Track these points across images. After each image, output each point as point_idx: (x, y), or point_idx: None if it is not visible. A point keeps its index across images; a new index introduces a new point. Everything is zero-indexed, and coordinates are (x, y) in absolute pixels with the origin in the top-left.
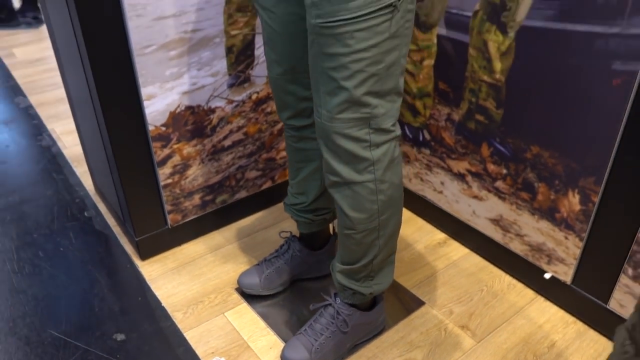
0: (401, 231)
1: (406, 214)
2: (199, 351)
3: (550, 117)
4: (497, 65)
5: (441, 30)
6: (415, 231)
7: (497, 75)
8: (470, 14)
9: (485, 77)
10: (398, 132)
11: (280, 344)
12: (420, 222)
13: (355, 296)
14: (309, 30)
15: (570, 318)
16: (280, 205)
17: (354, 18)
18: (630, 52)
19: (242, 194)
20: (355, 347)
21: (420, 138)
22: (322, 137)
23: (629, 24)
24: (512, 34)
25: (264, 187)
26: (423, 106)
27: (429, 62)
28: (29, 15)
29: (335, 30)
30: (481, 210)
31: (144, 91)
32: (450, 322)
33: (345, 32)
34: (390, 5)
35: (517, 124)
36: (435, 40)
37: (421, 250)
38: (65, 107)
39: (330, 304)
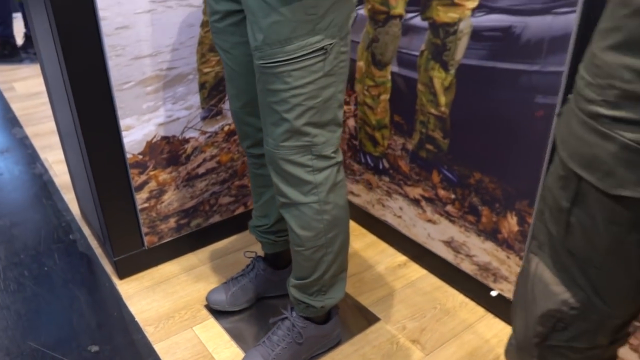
0: (364, 253)
1: (370, 237)
2: None
3: (487, 145)
4: (442, 99)
5: (394, 67)
6: (378, 254)
7: (442, 108)
8: (417, 53)
9: (432, 110)
10: (339, 158)
11: (242, 355)
12: (383, 245)
13: (308, 309)
14: (255, 70)
15: None
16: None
17: (290, 59)
18: (549, 87)
19: (216, 219)
20: (311, 359)
21: (380, 166)
22: (271, 163)
23: (546, 62)
24: (452, 71)
25: (237, 212)
26: (382, 137)
27: (385, 97)
28: (31, 52)
29: (275, 69)
30: (435, 233)
31: (123, 122)
32: (402, 337)
33: (283, 71)
34: (322, 48)
35: (461, 152)
36: (389, 77)
37: (382, 272)
38: (58, 138)
39: (287, 317)
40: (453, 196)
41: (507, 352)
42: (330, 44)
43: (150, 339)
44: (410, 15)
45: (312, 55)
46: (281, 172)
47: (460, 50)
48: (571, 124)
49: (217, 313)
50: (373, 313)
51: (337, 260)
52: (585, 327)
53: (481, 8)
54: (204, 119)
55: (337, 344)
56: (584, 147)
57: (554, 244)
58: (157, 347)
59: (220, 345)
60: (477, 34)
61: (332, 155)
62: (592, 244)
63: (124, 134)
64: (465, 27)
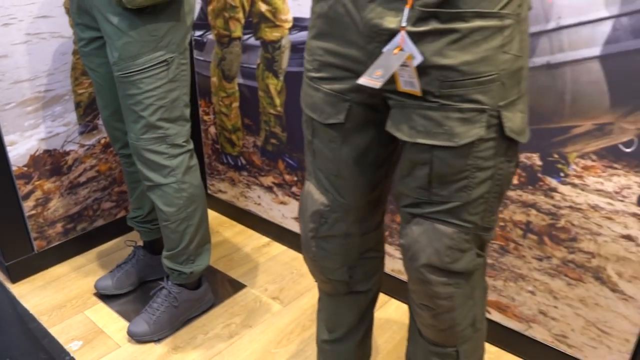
0: (233, 239)
1: (238, 227)
2: (61, 340)
3: None
4: (277, 101)
5: (240, 80)
6: (245, 239)
7: (278, 108)
8: (255, 66)
9: (272, 111)
10: (190, 146)
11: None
12: (250, 232)
13: (181, 276)
14: (116, 81)
15: None
16: (135, 232)
17: (140, 70)
18: None
19: (100, 222)
20: (188, 320)
21: (239, 164)
22: (135, 154)
23: None
24: (282, 77)
25: (119, 216)
26: (237, 138)
27: (236, 104)
28: None
29: (130, 78)
30: (287, 212)
31: (7, 139)
32: (264, 296)
33: (136, 79)
34: (164, 61)
35: (297, 142)
36: (237, 88)
37: (248, 251)
38: None
39: (164, 287)
40: (296, 179)
41: (304, 257)
42: (171, 57)
43: (45, 325)
44: (246, 36)
45: (157, 66)
46: (144, 160)
47: (284, 60)
48: (304, 87)
49: (106, 297)
50: (240, 282)
51: (199, 232)
52: (336, 217)
53: (295, 27)
54: (81, 133)
55: (210, 307)
56: (310, 98)
57: (313, 167)
58: (52, 330)
59: (109, 322)
60: (294, 47)
61: (184, 144)
62: (326, 160)
63: (8, 149)
64: (285, 42)
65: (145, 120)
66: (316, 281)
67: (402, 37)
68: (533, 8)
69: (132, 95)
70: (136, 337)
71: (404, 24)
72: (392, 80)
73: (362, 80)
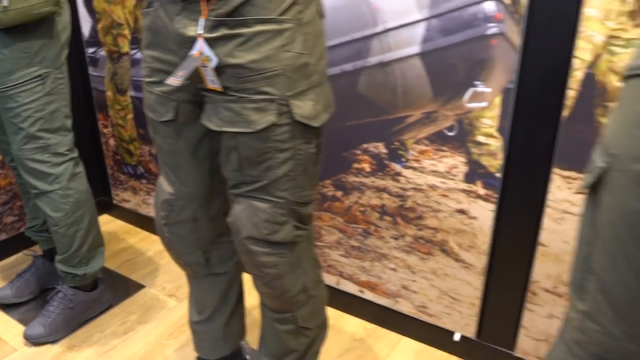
0: (138, 245)
1: (143, 233)
2: None
3: None
4: None
5: (132, 92)
6: (149, 244)
7: None
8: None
9: None
10: (74, 155)
11: None
12: (153, 237)
13: (75, 279)
14: None
15: None
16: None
17: (16, 84)
18: None
19: (2, 237)
20: (86, 321)
21: (138, 172)
22: (19, 164)
23: None
24: None
25: (22, 229)
26: (134, 148)
27: (131, 116)
28: None
29: (6, 93)
30: None
31: None
32: (162, 294)
33: (13, 94)
34: (39, 76)
35: None
36: (130, 100)
37: (151, 255)
38: None
39: (59, 290)
40: None
41: (162, 243)
42: (46, 72)
43: None
44: (133, 51)
45: (32, 81)
46: (28, 169)
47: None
48: (143, 92)
49: (6, 307)
50: (140, 283)
51: (90, 236)
52: (181, 204)
53: None
54: None
55: (108, 307)
56: (147, 101)
57: (160, 162)
58: None
59: (7, 329)
60: None
61: (67, 152)
62: (167, 154)
63: None
64: None
65: (25, 132)
66: (177, 264)
67: (200, 43)
68: (368, 14)
69: (11, 109)
70: (32, 340)
71: (200, 32)
72: (201, 80)
73: (168, 80)
